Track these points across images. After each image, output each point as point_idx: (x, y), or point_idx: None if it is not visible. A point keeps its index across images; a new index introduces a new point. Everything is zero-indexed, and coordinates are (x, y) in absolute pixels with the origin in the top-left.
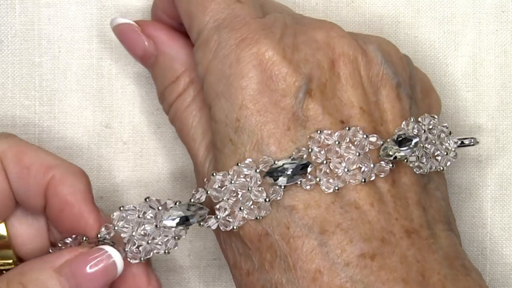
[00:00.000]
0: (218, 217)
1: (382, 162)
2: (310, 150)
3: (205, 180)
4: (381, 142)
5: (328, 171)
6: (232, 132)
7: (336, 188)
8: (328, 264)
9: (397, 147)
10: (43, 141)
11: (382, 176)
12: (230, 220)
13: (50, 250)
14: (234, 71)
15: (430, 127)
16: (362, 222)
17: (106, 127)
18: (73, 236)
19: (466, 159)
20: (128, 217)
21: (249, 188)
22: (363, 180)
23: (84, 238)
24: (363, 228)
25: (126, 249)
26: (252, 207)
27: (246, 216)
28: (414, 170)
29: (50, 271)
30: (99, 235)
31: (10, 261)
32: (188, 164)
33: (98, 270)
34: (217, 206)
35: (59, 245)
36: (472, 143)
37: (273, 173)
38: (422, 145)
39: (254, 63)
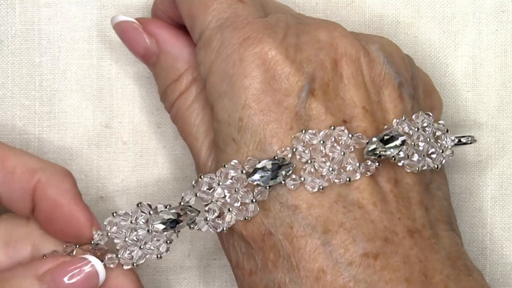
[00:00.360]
0: (208, 219)
1: (368, 161)
2: (294, 149)
3: (193, 183)
4: (367, 141)
5: (312, 170)
6: (235, 131)
7: (321, 187)
8: (331, 263)
9: (382, 146)
10: (43, 141)
11: (368, 174)
12: (220, 221)
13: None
14: (237, 70)
15: (424, 125)
16: (365, 222)
17: (106, 127)
18: (66, 245)
19: (466, 159)
20: (121, 222)
21: (236, 189)
22: (348, 180)
23: (77, 246)
24: (366, 228)
25: (119, 256)
26: (240, 207)
27: (235, 217)
28: (405, 168)
29: (32, 278)
30: (92, 242)
31: None
32: (188, 164)
33: (80, 279)
34: (206, 208)
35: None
36: (469, 141)
37: (256, 173)
38: (413, 143)
39: (257, 63)
